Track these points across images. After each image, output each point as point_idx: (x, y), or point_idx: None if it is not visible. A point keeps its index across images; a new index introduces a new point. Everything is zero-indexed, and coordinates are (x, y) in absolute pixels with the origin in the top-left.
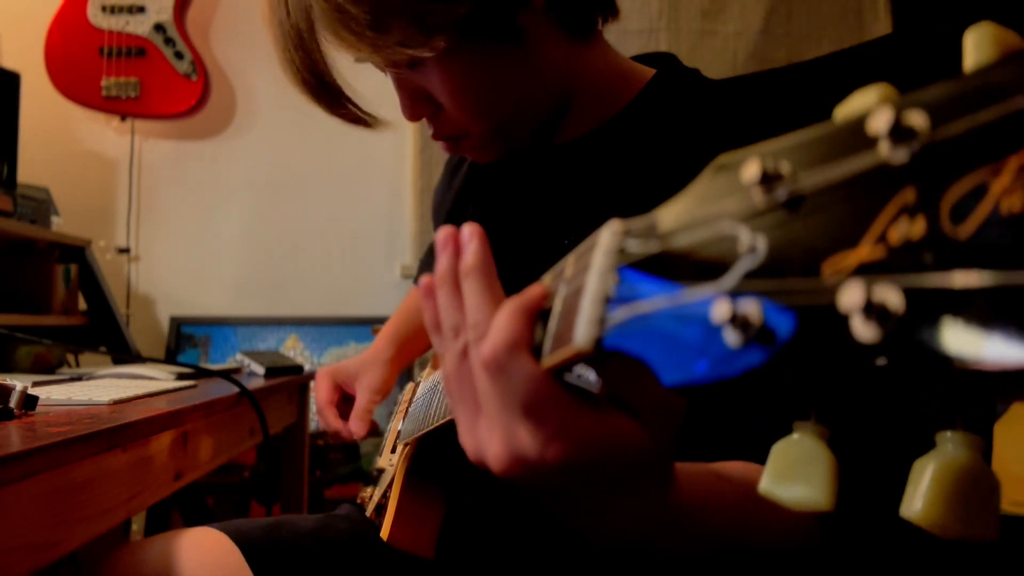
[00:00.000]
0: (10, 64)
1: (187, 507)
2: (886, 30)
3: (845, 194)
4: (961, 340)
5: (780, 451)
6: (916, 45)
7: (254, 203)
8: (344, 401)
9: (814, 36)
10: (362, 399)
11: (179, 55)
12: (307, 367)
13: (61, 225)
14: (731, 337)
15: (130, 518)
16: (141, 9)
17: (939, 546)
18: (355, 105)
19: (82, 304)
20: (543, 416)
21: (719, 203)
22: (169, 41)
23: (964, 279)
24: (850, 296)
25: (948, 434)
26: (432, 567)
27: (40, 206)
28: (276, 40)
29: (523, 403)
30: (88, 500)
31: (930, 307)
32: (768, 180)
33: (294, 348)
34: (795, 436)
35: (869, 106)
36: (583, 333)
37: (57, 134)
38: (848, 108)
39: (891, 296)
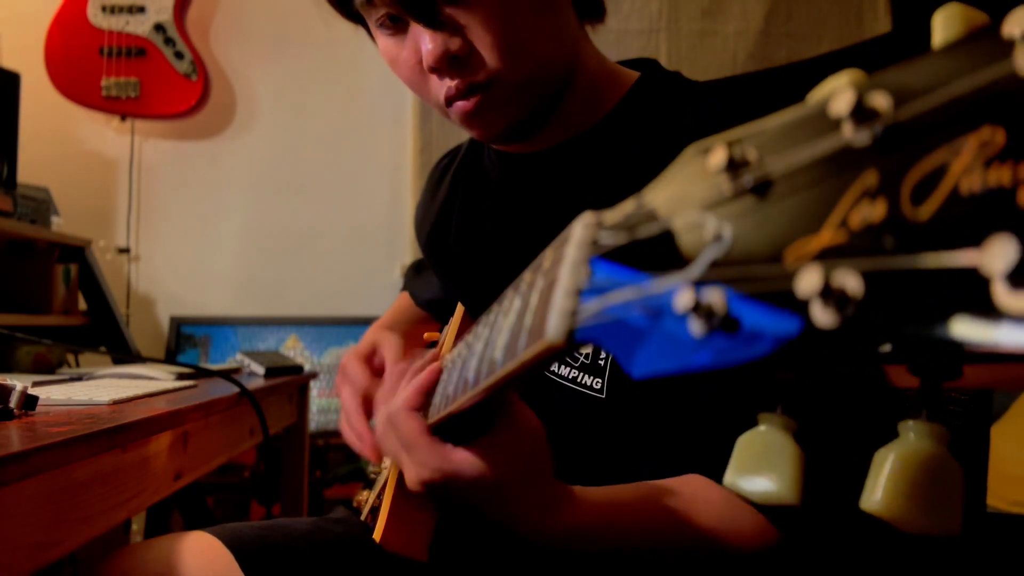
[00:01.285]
0: (10, 64)
1: (187, 507)
2: (886, 30)
3: (810, 178)
4: (921, 324)
5: (745, 443)
6: (914, 44)
7: (254, 203)
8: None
9: (814, 36)
10: (392, 353)
11: (179, 55)
12: (307, 367)
13: (61, 225)
14: (695, 326)
15: (130, 518)
16: (141, 9)
17: (926, 546)
18: None
19: (82, 304)
20: (415, 456)
21: (687, 191)
22: (169, 41)
23: (923, 261)
24: (808, 281)
25: (910, 423)
26: (426, 570)
27: (40, 206)
28: None
29: (407, 448)
30: (88, 500)
31: (889, 291)
32: (734, 167)
33: (294, 348)
34: (761, 428)
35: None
36: (555, 326)
37: (57, 134)
38: (818, 93)
39: (849, 280)
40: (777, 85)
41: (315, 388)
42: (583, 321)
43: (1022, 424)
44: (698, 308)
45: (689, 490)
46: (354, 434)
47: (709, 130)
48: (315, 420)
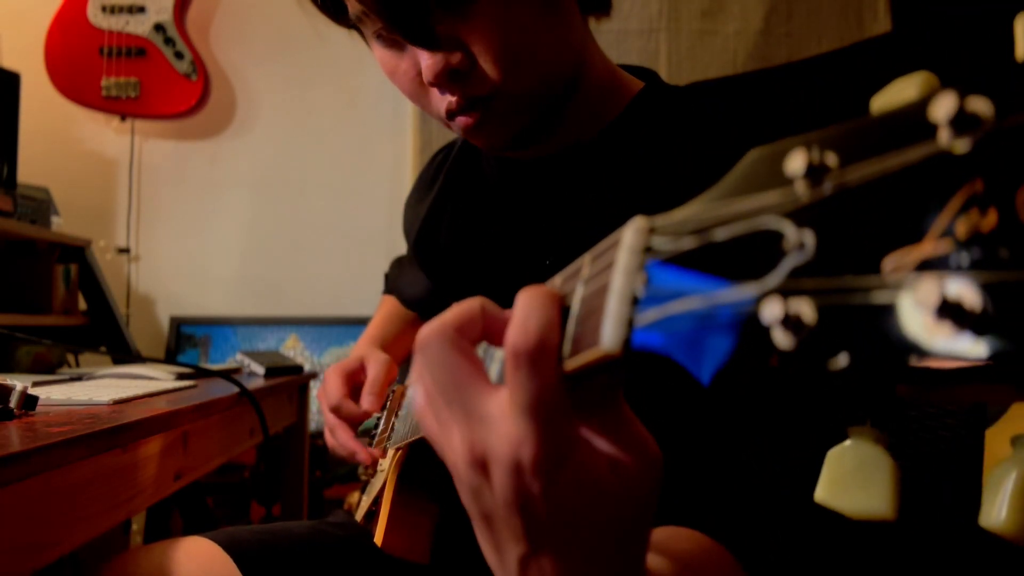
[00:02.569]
0: (10, 64)
1: (187, 507)
2: (886, 30)
3: (901, 186)
4: None
5: (835, 458)
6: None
7: (254, 203)
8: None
9: (814, 36)
10: (375, 371)
11: (179, 55)
12: (307, 367)
13: (61, 225)
14: (782, 338)
15: (130, 518)
16: (141, 9)
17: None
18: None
19: (82, 304)
20: (553, 424)
21: (758, 197)
22: (169, 41)
23: None
24: (923, 294)
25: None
26: (428, 572)
27: (40, 206)
28: None
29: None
30: (88, 500)
31: (1008, 305)
32: (814, 172)
33: (294, 348)
34: (849, 443)
35: (913, 95)
36: (611, 334)
37: (57, 134)
38: (889, 97)
39: (967, 293)
40: (777, 85)
41: (315, 388)
42: (639, 329)
43: (1020, 425)
44: (787, 319)
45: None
46: (342, 448)
47: (714, 130)
48: (315, 420)
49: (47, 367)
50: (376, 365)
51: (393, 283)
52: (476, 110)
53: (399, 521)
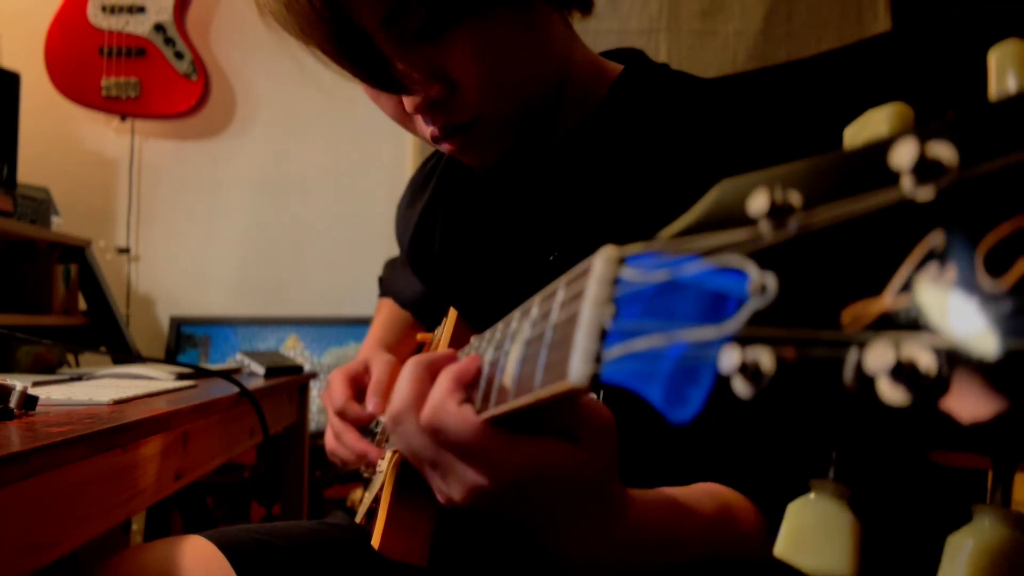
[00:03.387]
0: (10, 64)
1: (187, 507)
2: (886, 29)
3: (864, 232)
4: (993, 404)
5: (796, 512)
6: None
7: (254, 203)
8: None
9: (814, 36)
10: (379, 372)
11: (179, 55)
12: (307, 367)
13: (61, 225)
14: (740, 387)
15: (130, 518)
16: (141, 9)
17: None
18: (381, 56)
19: (82, 304)
20: (482, 456)
21: (723, 234)
22: (169, 41)
23: (1005, 341)
24: (877, 356)
25: (986, 508)
26: (426, 575)
27: (40, 206)
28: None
29: (462, 450)
30: (88, 500)
31: (964, 368)
32: (778, 212)
33: (294, 348)
34: (812, 496)
35: (883, 132)
36: (578, 370)
37: (57, 134)
38: (861, 133)
39: (923, 357)
40: (776, 85)
41: (315, 388)
42: (608, 362)
43: None
44: (744, 368)
45: (730, 494)
46: (346, 450)
47: (710, 131)
48: (315, 420)
49: (47, 367)
50: (380, 366)
51: (388, 285)
52: (458, 135)
53: (397, 524)
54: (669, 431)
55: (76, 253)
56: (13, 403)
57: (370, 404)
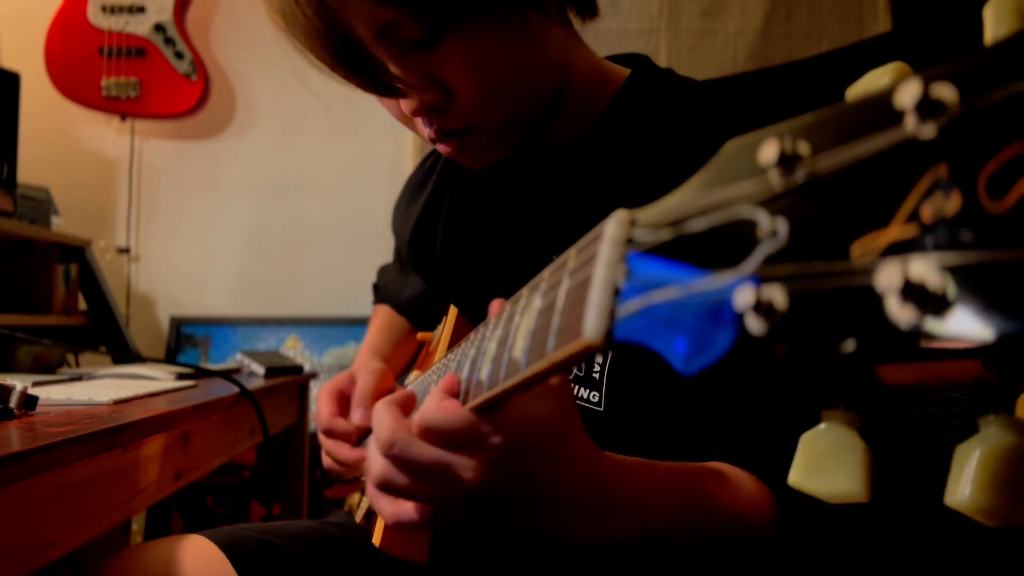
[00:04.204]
0: (10, 64)
1: (187, 507)
2: (886, 30)
3: (870, 173)
4: (1012, 318)
5: (809, 441)
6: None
7: (254, 203)
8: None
9: (814, 36)
10: (363, 383)
11: (179, 55)
12: (307, 367)
13: (61, 225)
14: (754, 324)
15: (130, 518)
16: (141, 9)
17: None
18: (376, 62)
19: (82, 304)
20: (480, 440)
21: (733, 187)
22: (169, 41)
23: (1005, 254)
24: (887, 276)
25: (991, 418)
26: (426, 573)
27: (40, 206)
28: (288, 13)
29: (457, 439)
30: (88, 500)
31: (970, 286)
32: (787, 161)
33: (294, 348)
34: (823, 426)
35: (885, 84)
36: (594, 325)
37: (57, 134)
38: (862, 86)
39: (931, 276)
40: (776, 85)
41: (315, 388)
42: (622, 320)
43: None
44: (759, 305)
45: (712, 466)
46: (338, 465)
47: (710, 129)
48: (315, 421)
49: (47, 367)
50: (365, 377)
51: (384, 291)
52: (455, 140)
53: None
54: (680, 389)
55: (76, 253)
56: (13, 403)
57: (355, 415)
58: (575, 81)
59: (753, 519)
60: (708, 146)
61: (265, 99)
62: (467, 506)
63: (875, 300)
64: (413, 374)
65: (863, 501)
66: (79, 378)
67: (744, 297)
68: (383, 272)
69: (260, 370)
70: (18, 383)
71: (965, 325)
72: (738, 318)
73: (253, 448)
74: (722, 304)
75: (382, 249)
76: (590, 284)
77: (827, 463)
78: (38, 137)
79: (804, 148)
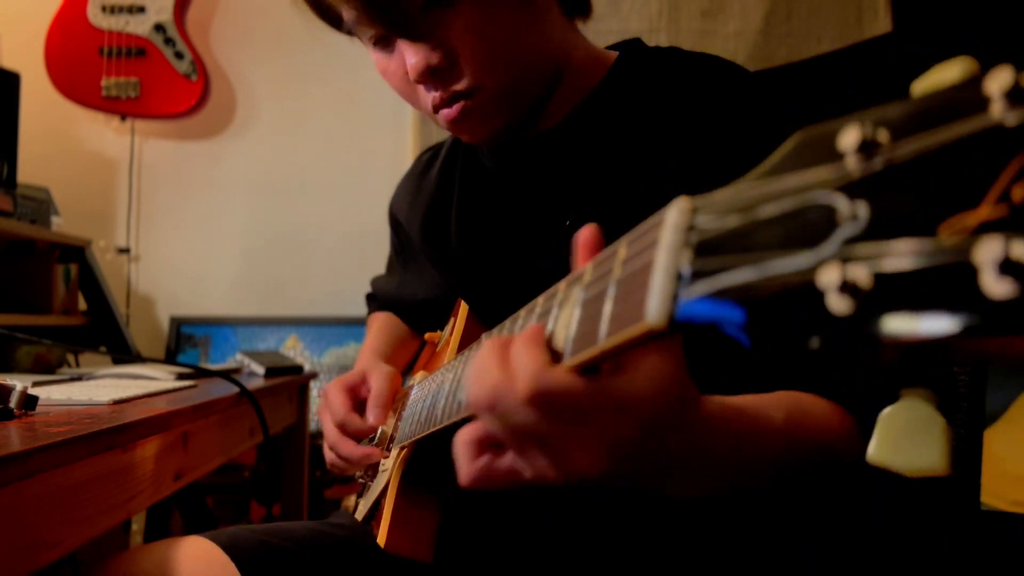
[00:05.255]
0: (10, 64)
1: (187, 507)
2: (886, 30)
3: (953, 158)
4: None
5: (889, 418)
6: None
7: (254, 203)
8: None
9: (814, 36)
10: (379, 384)
11: (179, 55)
12: (307, 367)
13: (61, 225)
14: (838, 304)
15: (130, 518)
16: (141, 9)
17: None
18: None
19: (82, 304)
20: (601, 412)
21: (807, 174)
22: (169, 41)
23: None
24: (987, 251)
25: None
26: (431, 572)
27: (40, 206)
28: None
29: (579, 413)
30: (88, 500)
31: None
32: (867, 147)
33: (294, 348)
34: (903, 403)
35: (955, 77)
36: (657, 309)
37: (57, 134)
38: (931, 80)
39: None
40: (771, 75)
41: (315, 388)
42: (685, 303)
43: (1020, 425)
44: (844, 285)
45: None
46: (342, 461)
47: (705, 104)
48: (315, 420)
49: (47, 367)
50: (380, 379)
51: (381, 298)
52: (457, 103)
53: (403, 520)
54: (750, 367)
55: (76, 253)
56: (13, 403)
57: (371, 416)
58: (572, 66)
59: (840, 444)
60: (698, 113)
61: (265, 99)
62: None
63: (970, 275)
64: (419, 374)
65: (944, 473)
66: (79, 378)
67: (829, 276)
68: (376, 281)
69: (260, 370)
70: (18, 383)
71: None
72: (819, 297)
73: (253, 448)
74: (801, 284)
75: (382, 249)
76: (651, 269)
77: (908, 438)
78: (38, 137)
79: (883, 135)
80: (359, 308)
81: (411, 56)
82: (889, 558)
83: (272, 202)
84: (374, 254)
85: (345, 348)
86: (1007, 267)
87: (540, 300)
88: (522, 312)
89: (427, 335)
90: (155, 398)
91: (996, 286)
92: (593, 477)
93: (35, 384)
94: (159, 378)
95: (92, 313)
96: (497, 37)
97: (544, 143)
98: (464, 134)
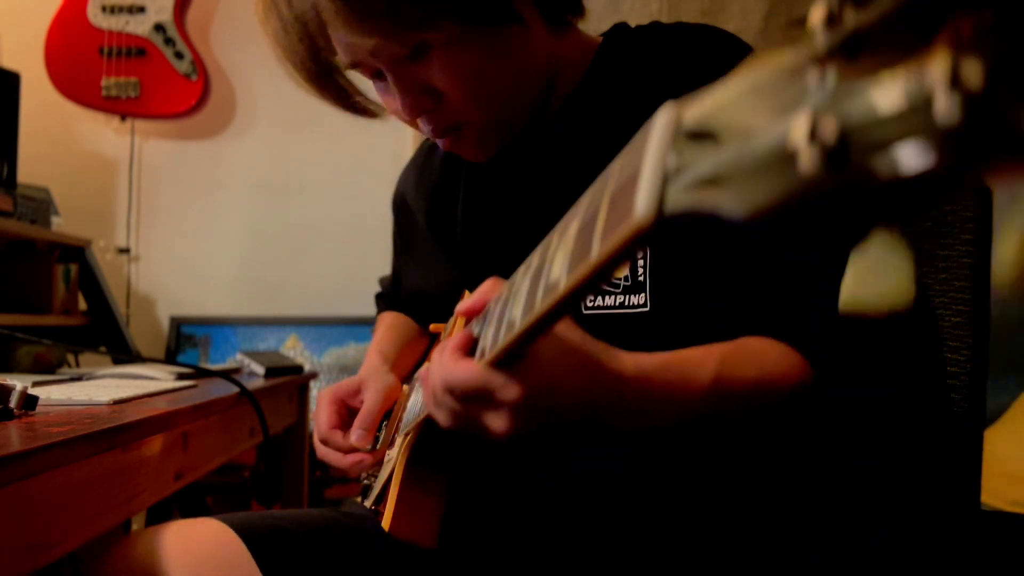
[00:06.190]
0: (10, 64)
1: (187, 507)
2: None
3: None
4: None
5: (859, 258)
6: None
7: (254, 203)
8: (351, 416)
9: None
10: (371, 401)
11: (179, 55)
12: (307, 367)
13: (61, 225)
14: (807, 162)
15: (130, 518)
16: (141, 9)
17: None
18: (361, 94)
19: (82, 304)
20: (499, 393)
21: (779, 58)
22: (169, 41)
23: None
24: (936, 73)
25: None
26: (435, 556)
27: (40, 206)
28: (276, 33)
29: (476, 395)
30: (88, 500)
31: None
32: (832, 20)
33: (294, 348)
34: (873, 240)
35: None
36: (644, 205)
37: (57, 134)
38: None
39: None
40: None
41: (315, 388)
42: (675, 199)
43: (1020, 425)
44: (813, 136)
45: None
46: (337, 466)
47: (692, 71)
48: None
49: (47, 367)
50: (374, 393)
51: (388, 297)
52: (449, 135)
53: (408, 505)
54: (722, 265)
55: (76, 253)
56: (13, 403)
57: (354, 436)
58: (565, 63)
59: (777, 383)
60: (686, 84)
61: (265, 99)
62: (510, 439)
63: (926, 104)
64: (425, 366)
65: (907, 308)
66: (79, 378)
67: (797, 130)
68: (384, 281)
69: (260, 370)
70: (18, 383)
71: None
72: (791, 159)
73: (253, 448)
74: (774, 147)
75: (382, 249)
76: (639, 173)
77: (874, 272)
78: (38, 137)
79: (848, 8)
80: (359, 308)
81: (401, 98)
82: (889, 558)
83: (272, 202)
84: (374, 254)
85: (345, 348)
86: (956, 83)
87: (537, 251)
88: (519, 271)
89: (432, 326)
90: (155, 398)
91: (946, 105)
92: (512, 436)
93: (35, 384)
94: (159, 378)
95: (92, 313)
96: (475, 77)
97: (539, 136)
98: (465, 156)
